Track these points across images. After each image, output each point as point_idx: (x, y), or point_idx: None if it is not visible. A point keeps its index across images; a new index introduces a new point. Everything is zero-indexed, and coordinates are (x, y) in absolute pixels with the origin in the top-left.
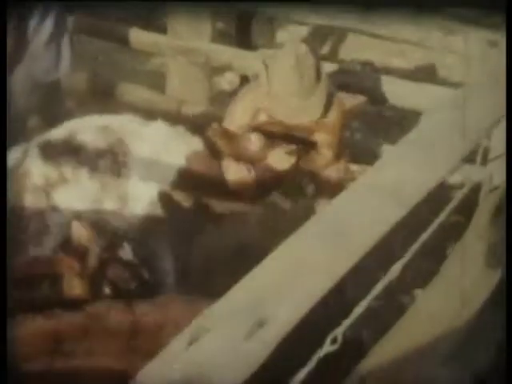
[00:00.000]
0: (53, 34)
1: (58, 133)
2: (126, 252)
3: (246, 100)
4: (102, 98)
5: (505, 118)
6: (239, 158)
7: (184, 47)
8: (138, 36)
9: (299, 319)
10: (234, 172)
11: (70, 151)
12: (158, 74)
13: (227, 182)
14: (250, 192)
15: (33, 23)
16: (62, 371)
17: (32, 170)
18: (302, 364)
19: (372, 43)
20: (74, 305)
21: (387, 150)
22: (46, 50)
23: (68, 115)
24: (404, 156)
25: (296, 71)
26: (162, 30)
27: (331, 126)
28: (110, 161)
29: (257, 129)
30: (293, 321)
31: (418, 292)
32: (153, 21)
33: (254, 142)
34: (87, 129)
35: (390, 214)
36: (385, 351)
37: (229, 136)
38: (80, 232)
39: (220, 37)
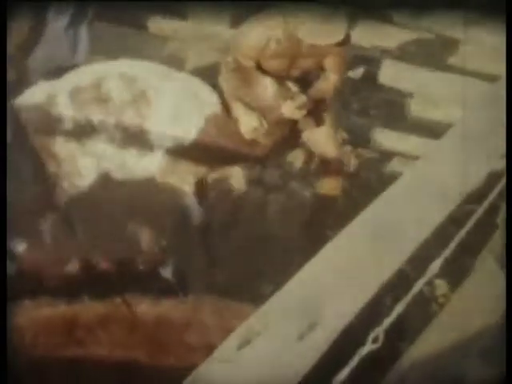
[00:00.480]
0: (72, 19)
1: (86, 78)
2: (167, 271)
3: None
4: None
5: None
6: (251, 105)
7: (204, 33)
8: (158, 22)
9: (350, 320)
10: (247, 121)
11: (98, 100)
12: (177, 59)
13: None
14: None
15: (52, 8)
16: (83, 359)
17: (62, 114)
18: (345, 363)
19: (389, 31)
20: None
21: (430, 146)
22: (64, 36)
23: None
24: (447, 152)
25: None
26: (183, 17)
27: (342, 53)
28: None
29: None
30: (343, 322)
31: (455, 287)
32: (173, 7)
33: (268, 88)
34: (113, 77)
35: (437, 212)
36: (423, 347)
37: (242, 72)
38: (147, 237)
39: (240, 22)
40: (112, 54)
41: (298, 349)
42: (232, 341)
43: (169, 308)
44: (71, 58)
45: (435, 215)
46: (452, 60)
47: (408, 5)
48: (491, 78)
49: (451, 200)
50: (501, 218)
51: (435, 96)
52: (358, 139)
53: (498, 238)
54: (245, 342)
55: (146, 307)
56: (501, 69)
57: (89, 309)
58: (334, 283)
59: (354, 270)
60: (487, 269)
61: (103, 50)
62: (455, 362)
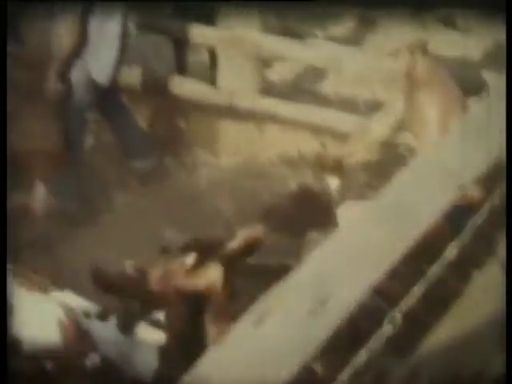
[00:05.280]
0: (111, 31)
1: None
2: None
3: None
4: (155, 91)
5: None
6: None
7: (234, 38)
8: (190, 29)
9: (360, 299)
10: None
11: None
12: (208, 66)
13: None
14: None
15: (94, 21)
16: None
17: None
18: (362, 344)
19: None
20: None
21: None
22: (104, 48)
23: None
24: (463, 137)
25: None
26: (212, 22)
27: None
28: None
29: None
30: (354, 300)
31: (473, 275)
32: (203, 13)
33: None
34: None
35: (448, 195)
36: (439, 334)
37: None
38: None
39: (269, 27)
40: (147, 63)
41: (309, 325)
42: (247, 319)
43: None
44: (110, 70)
45: (446, 200)
46: None
47: None
48: None
49: (465, 185)
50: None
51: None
52: None
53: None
54: (259, 321)
55: None
56: None
57: None
58: (346, 263)
59: (365, 251)
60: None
61: (140, 60)
62: (472, 352)
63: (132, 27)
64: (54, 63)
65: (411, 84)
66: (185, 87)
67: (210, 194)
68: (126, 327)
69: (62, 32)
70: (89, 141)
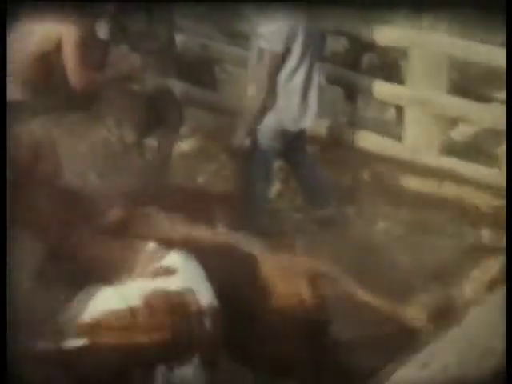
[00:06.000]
0: (303, 82)
1: None
2: None
3: None
4: (339, 142)
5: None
6: None
7: (421, 98)
8: (378, 86)
9: None
10: None
11: None
12: (394, 122)
13: None
14: None
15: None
16: None
17: None
18: None
19: None
20: None
21: None
22: (295, 97)
23: (308, 160)
24: None
25: None
26: (400, 81)
27: None
28: None
29: None
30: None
31: None
32: (392, 72)
33: None
34: None
35: None
36: None
37: None
38: None
39: (456, 88)
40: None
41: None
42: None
43: None
44: (301, 121)
45: None
46: None
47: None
48: None
49: None
50: None
51: None
52: None
53: None
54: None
55: None
56: None
57: None
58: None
59: None
60: None
61: (327, 113)
62: None
63: (322, 79)
64: (244, 119)
65: None
66: (369, 140)
67: (387, 247)
68: None
69: (253, 87)
70: (273, 188)
